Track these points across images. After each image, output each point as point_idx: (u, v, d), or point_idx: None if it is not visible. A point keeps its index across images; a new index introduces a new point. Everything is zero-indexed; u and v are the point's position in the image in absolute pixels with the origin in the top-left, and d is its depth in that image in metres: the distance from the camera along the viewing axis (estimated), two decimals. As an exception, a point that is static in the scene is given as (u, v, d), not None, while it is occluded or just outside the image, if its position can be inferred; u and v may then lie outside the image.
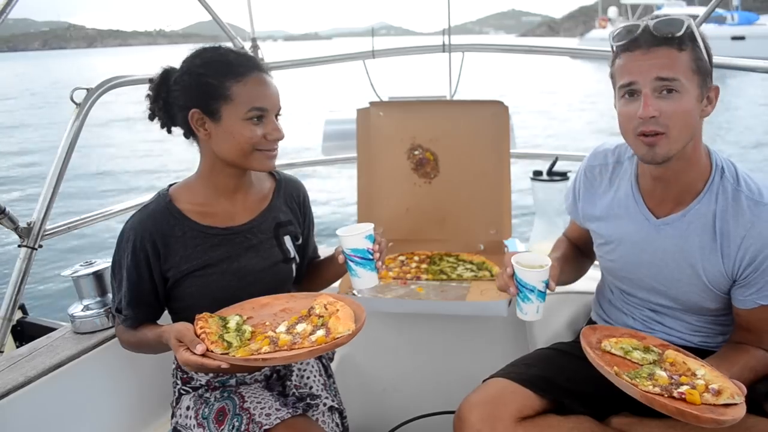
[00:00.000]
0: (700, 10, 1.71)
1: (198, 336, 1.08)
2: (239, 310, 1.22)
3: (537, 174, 2.06)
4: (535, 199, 2.09)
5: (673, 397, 1.00)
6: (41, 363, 1.38)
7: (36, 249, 1.53)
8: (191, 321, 1.20)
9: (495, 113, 1.99)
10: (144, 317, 1.28)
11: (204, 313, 1.16)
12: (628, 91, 1.14)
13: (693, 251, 1.22)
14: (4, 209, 1.43)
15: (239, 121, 1.19)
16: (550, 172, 2.04)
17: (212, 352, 1.06)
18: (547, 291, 1.23)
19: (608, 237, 1.35)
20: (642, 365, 1.12)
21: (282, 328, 1.14)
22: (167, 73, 1.25)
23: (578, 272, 1.54)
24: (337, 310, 1.15)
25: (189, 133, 1.26)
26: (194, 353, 1.06)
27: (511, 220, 2.02)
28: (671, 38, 1.10)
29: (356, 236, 1.25)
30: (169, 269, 1.25)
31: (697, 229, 1.21)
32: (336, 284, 1.85)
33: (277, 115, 1.25)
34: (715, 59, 1.18)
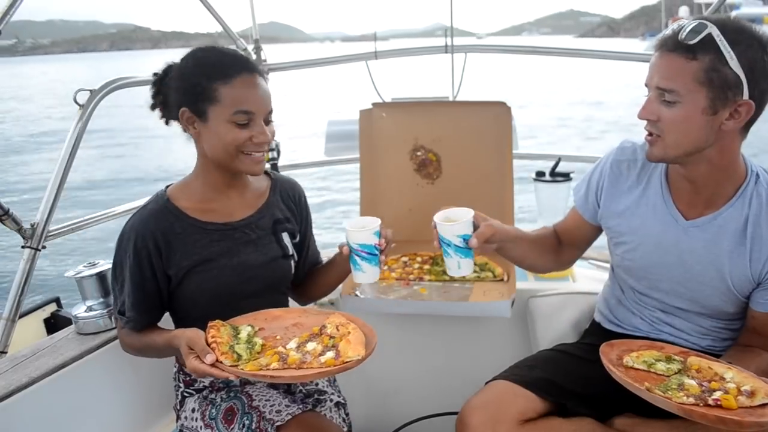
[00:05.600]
0: None
1: (209, 344, 1.08)
2: (252, 320, 1.22)
3: (540, 175, 2.06)
4: (538, 200, 2.09)
5: (709, 405, 1.00)
6: (44, 363, 1.38)
7: (39, 250, 1.53)
8: (192, 319, 1.20)
9: (497, 114, 1.99)
10: (148, 319, 1.28)
11: (216, 321, 1.16)
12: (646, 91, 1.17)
13: (721, 255, 1.21)
14: (8, 210, 1.43)
15: (224, 122, 1.18)
16: (552, 173, 2.04)
17: (221, 363, 1.05)
18: (473, 249, 1.25)
19: (630, 235, 1.32)
20: (668, 376, 1.11)
21: (292, 344, 1.14)
22: (168, 69, 1.25)
23: (546, 259, 1.47)
24: (349, 332, 1.15)
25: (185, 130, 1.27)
26: (203, 362, 1.05)
27: (514, 221, 2.02)
28: (684, 45, 1.07)
29: (365, 232, 1.25)
30: (170, 267, 1.24)
31: (728, 232, 1.20)
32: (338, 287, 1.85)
33: (267, 117, 1.24)
34: None
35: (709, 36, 1.06)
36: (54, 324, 2.54)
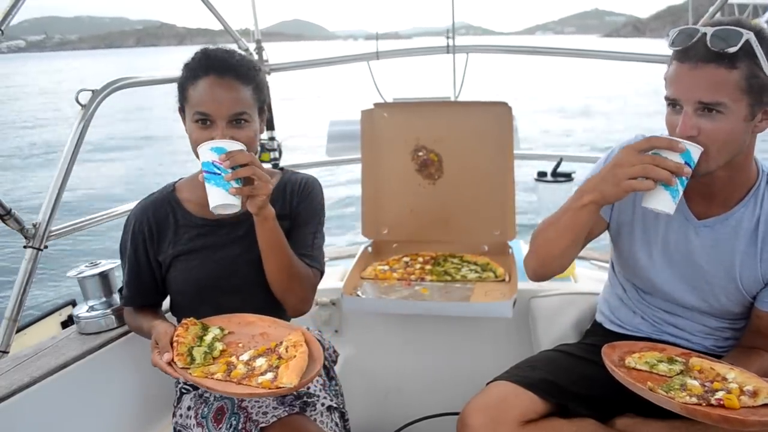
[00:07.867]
0: None
1: (172, 343, 1.15)
2: (226, 322, 1.26)
3: (541, 175, 2.06)
4: (540, 200, 2.09)
5: (712, 405, 1.00)
6: (46, 363, 1.38)
7: (41, 250, 1.53)
8: (182, 308, 1.34)
9: (499, 114, 1.98)
10: (141, 300, 1.38)
11: (190, 319, 1.22)
12: (671, 103, 1.12)
13: (732, 254, 1.21)
14: (10, 210, 1.43)
15: (190, 122, 1.24)
16: (554, 173, 2.04)
17: (175, 363, 1.11)
18: None
19: (640, 233, 1.31)
20: (670, 377, 1.11)
21: (245, 357, 1.15)
22: None
23: (578, 249, 1.34)
24: (294, 356, 1.12)
25: None
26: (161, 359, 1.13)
27: (515, 221, 2.02)
28: (723, 54, 1.03)
29: (203, 147, 1.15)
30: (159, 253, 1.34)
31: (739, 232, 1.20)
32: (340, 284, 1.85)
33: (239, 119, 1.21)
34: None
35: (747, 43, 1.03)
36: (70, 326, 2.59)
